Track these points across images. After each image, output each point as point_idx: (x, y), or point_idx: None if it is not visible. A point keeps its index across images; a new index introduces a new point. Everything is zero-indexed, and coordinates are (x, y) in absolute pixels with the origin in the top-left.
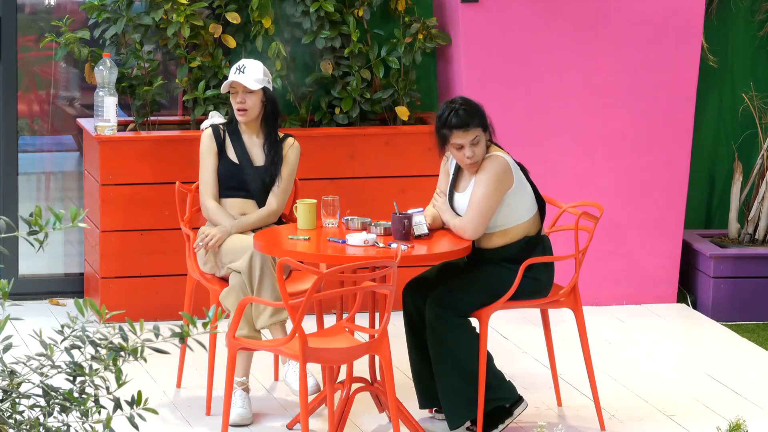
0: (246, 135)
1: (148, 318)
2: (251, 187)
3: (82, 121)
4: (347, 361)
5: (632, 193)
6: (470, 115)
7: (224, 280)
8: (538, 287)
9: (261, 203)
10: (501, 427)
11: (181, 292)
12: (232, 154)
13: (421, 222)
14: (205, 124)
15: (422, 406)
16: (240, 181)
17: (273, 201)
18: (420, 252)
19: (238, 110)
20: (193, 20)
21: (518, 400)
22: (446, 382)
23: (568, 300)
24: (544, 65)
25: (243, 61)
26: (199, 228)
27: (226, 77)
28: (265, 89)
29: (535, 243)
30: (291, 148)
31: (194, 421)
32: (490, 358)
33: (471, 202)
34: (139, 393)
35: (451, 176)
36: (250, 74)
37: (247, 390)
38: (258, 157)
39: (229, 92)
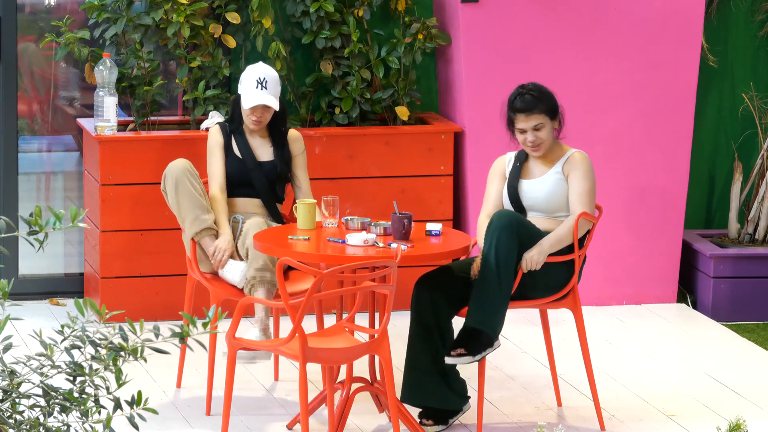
0: (248, 132)
1: (148, 318)
2: (256, 184)
3: (82, 121)
4: (347, 361)
5: (632, 193)
6: (536, 101)
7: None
8: (566, 281)
9: (266, 200)
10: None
11: (181, 292)
12: (237, 150)
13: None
14: (205, 124)
15: (404, 400)
16: (245, 178)
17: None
18: (419, 252)
19: (255, 122)
20: (193, 20)
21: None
22: (489, 293)
23: (568, 300)
24: (544, 65)
25: (262, 73)
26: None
27: (226, 77)
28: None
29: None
30: (296, 143)
31: (194, 421)
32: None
33: (580, 194)
34: (139, 393)
35: (510, 169)
36: (272, 89)
37: (265, 331)
38: (262, 153)
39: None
